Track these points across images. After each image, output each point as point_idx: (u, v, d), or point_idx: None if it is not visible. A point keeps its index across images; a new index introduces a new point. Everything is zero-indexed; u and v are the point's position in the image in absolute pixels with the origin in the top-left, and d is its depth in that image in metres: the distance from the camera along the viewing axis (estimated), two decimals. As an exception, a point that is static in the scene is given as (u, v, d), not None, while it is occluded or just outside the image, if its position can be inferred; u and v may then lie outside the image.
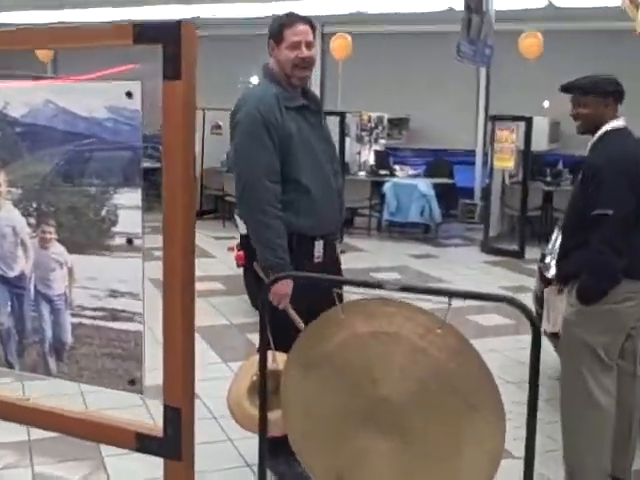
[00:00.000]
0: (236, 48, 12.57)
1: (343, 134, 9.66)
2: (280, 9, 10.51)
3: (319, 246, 3.14)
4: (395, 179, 10.11)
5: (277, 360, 2.57)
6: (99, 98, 2.26)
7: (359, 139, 10.87)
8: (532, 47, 8.98)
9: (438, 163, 11.52)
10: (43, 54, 10.86)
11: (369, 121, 10.90)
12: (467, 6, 5.31)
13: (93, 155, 2.33)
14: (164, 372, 2.21)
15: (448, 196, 11.02)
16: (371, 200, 10.16)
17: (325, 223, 3.14)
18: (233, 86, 11.69)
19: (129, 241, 2.30)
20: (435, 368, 2.24)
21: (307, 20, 3.07)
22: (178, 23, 2.09)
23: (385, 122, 11.10)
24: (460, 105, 11.84)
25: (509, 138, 8.80)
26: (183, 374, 2.23)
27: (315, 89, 12.70)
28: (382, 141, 11.11)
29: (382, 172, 10.49)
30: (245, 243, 3.18)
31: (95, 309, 2.34)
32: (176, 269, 2.20)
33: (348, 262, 8.26)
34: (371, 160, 10.85)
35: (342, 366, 2.36)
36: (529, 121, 8.84)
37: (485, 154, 10.68)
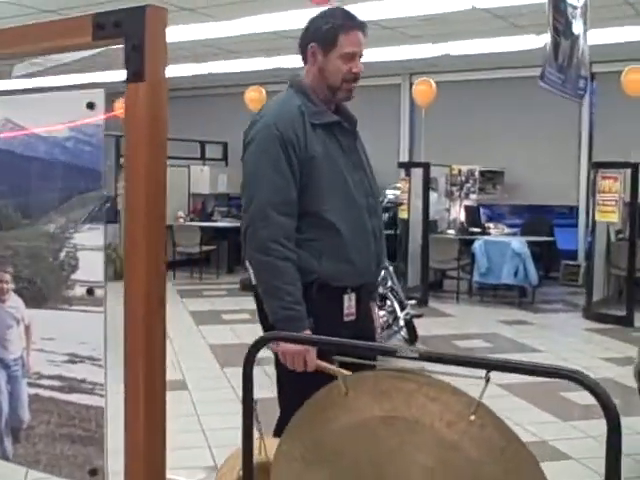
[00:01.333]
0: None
1: (427, 187, 9.01)
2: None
3: (349, 300, 2.50)
4: (486, 237, 9.33)
5: (267, 450, 1.97)
6: (58, 112, 1.85)
7: (448, 194, 10.16)
8: (637, 83, 8.09)
9: (536, 220, 10.67)
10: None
11: (459, 174, 10.17)
12: (554, 28, 4.64)
13: (53, 184, 1.90)
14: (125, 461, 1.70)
15: (548, 256, 10.13)
16: (460, 260, 9.39)
17: (356, 271, 2.49)
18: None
19: (89, 291, 1.86)
20: (470, 472, 1.59)
21: (364, 25, 2.50)
22: (142, 8, 1.64)
23: (477, 175, 10.33)
24: (561, 156, 10.93)
25: (613, 187, 7.85)
26: (146, 463, 1.73)
27: (404, 141, 12.17)
28: (473, 196, 10.31)
29: (473, 230, 9.72)
30: (257, 295, 2.56)
31: (53, 377, 1.95)
32: (137, 323, 1.73)
33: (431, 328, 7.63)
34: (462, 217, 10.10)
35: (344, 461, 1.77)
36: (636, 168, 7.88)
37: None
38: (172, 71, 12.02)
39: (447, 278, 9.97)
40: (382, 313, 6.00)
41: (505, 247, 8.82)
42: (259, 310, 2.54)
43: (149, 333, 1.73)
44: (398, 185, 8.13)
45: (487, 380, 1.57)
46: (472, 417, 1.60)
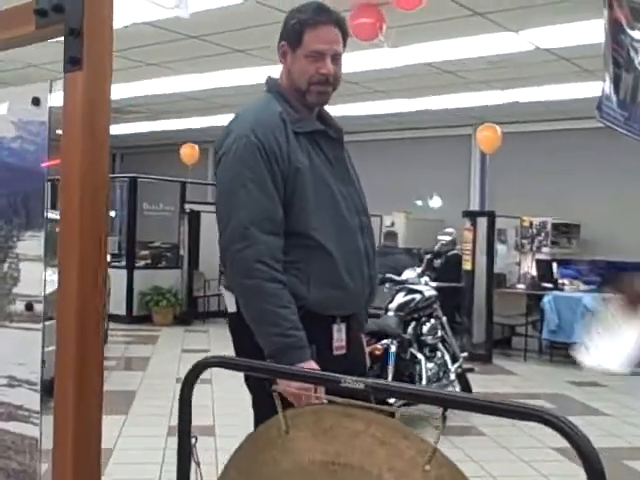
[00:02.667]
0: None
1: (492, 237, 8.59)
2: (424, 104, 9.85)
3: (339, 332, 2.19)
4: (556, 292, 8.78)
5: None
6: (5, 110, 1.65)
7: (518, 247, 9.70)
8: None
9: (615, 276, 10.02)
10: (186, 156, 10.83)
11: (530, 227, 9.71)
12: (614, 60, 4.24)
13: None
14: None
15: (626, 315, 9.44)
16: (528, 316, 8.86)
17: (348, 298, 2.18)
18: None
19: (28, 306, 1.61)
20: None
21: (339, 21, 2.19)
22: (82, -9, 1.45)
23: (549, 228, 9.84)
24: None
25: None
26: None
27: (474, 193, 11.76)
28: (546, 249, 9.80)
29: (546, 285, 9.19)
30: (236, 326, 2.21)
31: (-7, 403, 1.68)
32: (69, 345, 1.46)
33: (491, 386, 7.14)
34: (533, 271, 9.60)
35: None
36: None
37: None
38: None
39: (516, 335, 9.42)
40: (431, 365, 5.61)
41: (576, 303, 8.26)
42: (236, 345, 2.25)
43: (82, 354, 1.47)
44: (448, 230, 7.76)
45: (444, 418, 1.27)
46: (427, 467, 1.28)
